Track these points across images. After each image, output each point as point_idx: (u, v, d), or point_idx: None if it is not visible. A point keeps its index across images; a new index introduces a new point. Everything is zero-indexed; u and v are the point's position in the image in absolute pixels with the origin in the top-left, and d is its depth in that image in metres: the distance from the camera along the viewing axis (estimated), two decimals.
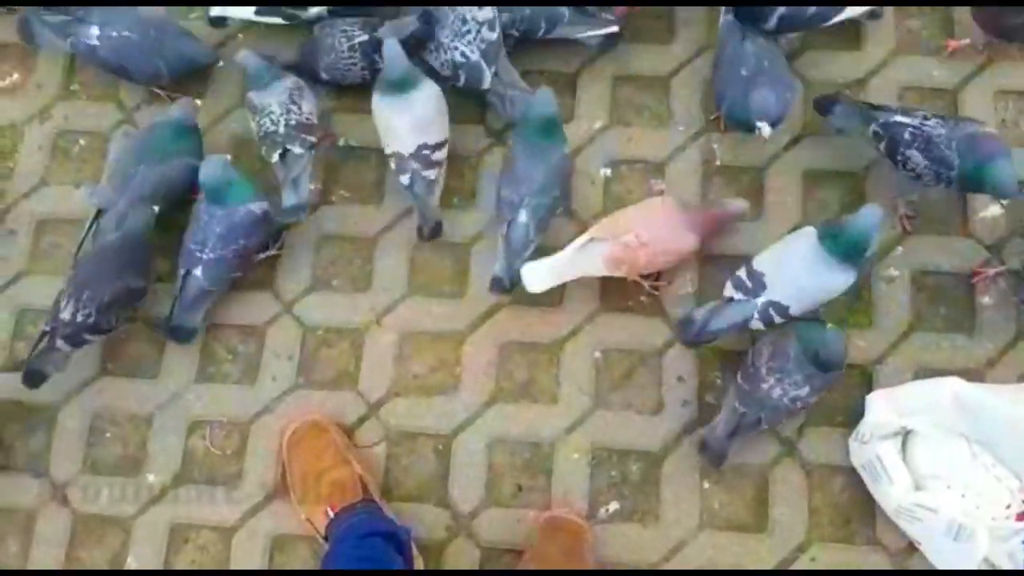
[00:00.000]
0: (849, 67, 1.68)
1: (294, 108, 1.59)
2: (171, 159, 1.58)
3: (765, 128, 1.51)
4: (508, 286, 1.54)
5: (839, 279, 1.41)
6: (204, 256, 1.50)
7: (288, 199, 1.58)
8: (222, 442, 1.53)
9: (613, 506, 1.49)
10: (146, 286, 1.53)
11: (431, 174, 1.57)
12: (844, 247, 1.39)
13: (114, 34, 1.65)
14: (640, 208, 1.56)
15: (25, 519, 1.53)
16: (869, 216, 1.37)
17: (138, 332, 1.61)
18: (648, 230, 1.49)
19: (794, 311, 1.43)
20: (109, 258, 1.50)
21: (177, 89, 1.74)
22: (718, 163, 1.66)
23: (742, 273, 1.46)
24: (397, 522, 1.40)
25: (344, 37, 1.65)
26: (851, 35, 1.71)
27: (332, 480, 1.41)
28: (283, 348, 1.59)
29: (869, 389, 1.48)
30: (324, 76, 1.69)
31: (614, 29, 1.68)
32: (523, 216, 1.51)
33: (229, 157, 1.54)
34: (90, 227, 1.58)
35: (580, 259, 1.50)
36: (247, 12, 1.70)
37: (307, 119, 1.61)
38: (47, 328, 1.49)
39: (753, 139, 1.61)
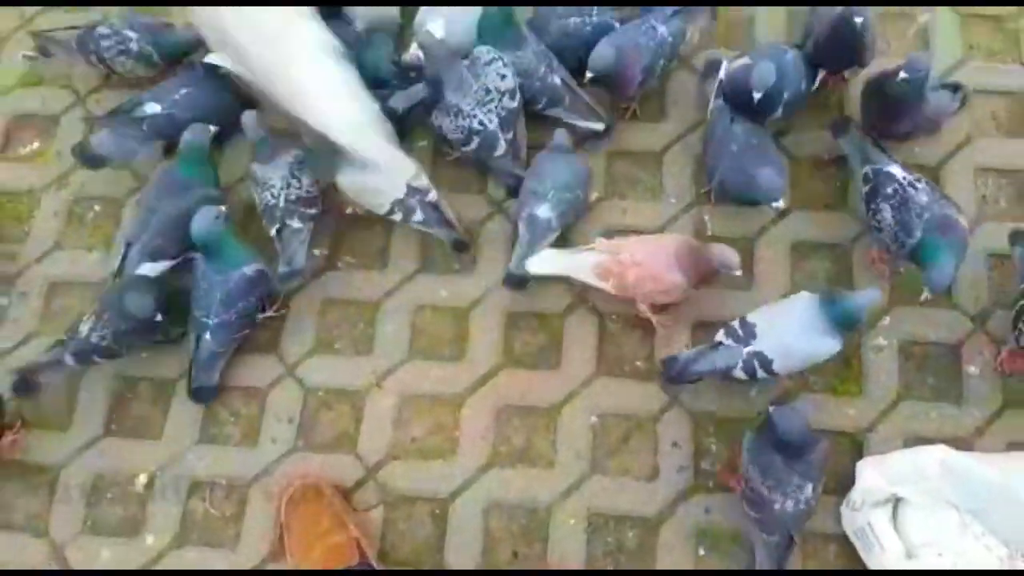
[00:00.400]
0: (831, 143, 1.78)
1: (294, 182, 1.69)
2: (188, 191, 1.68)
3: (779, 203, 1.63)
4: (526, 280, 1.65)
5: (827, 344, 1.49)
6: (210, 322, 1.58)
7: (283, 267, 1.67)
8: (221, 504, 1.58)
9: None
10: (164, 322, 1.60)
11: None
12: (840, 316, 1.47)
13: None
14: (649, 237, 1.68)
15: None
16: (871, 297, 1.48)
17: (143, 392, 1.68)
18: (644, 254, 1.59)
19: (777, 367, 1.50)
20: (134, 289, 1.59)
21: None
22: (709, 233, 1.75)
23: (735, 323, 1.54)
24: None
25: None
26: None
27: (329, 544, 1.45)
28: (284, 410, 1.65)
29: (859, 456, 1.54)
30: None
31: (599, 127, 1.79)
32: (545, 209, 1.64)
33: (223, 209, 1.61)
34: (123, 259, 1.67)
35: (577, 259, 1.63)
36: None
37: (307, 192, 1.70)
38: (63, 338, 1.59)
39: (742, 211, 1.72)
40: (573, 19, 1.79)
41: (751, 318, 1.53)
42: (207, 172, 1.72)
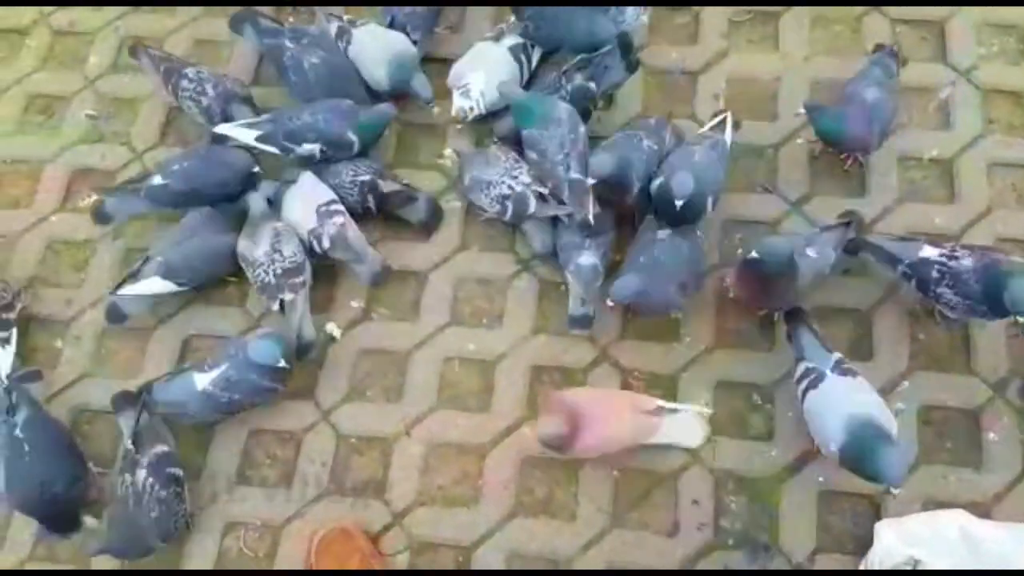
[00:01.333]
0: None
1: (277, 256, 1.87)
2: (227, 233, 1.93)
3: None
4: (590, 319, 1.82)
5: None
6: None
7: (297, 341, 1.83)
8: (255, 544, 1.73)
9: None
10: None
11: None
12: None
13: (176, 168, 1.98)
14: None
15: None
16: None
17: (186, 433, 1.83)
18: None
19: None
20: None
21: None
22: (731, 295, 1.85)
23: None
24: None
25: (351, 171, 1.98)
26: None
27: None
28: (317, 454, 1.81)
29: (877, 518, 1.64)
30: None
31: (568, 210, 1.89)
32: (588, 256, 1.80)
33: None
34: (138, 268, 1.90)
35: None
36: (249, 137, 1.99)
37: (291, 263, 1.87)
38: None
39: None
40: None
41: None
42: None
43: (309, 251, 1.92)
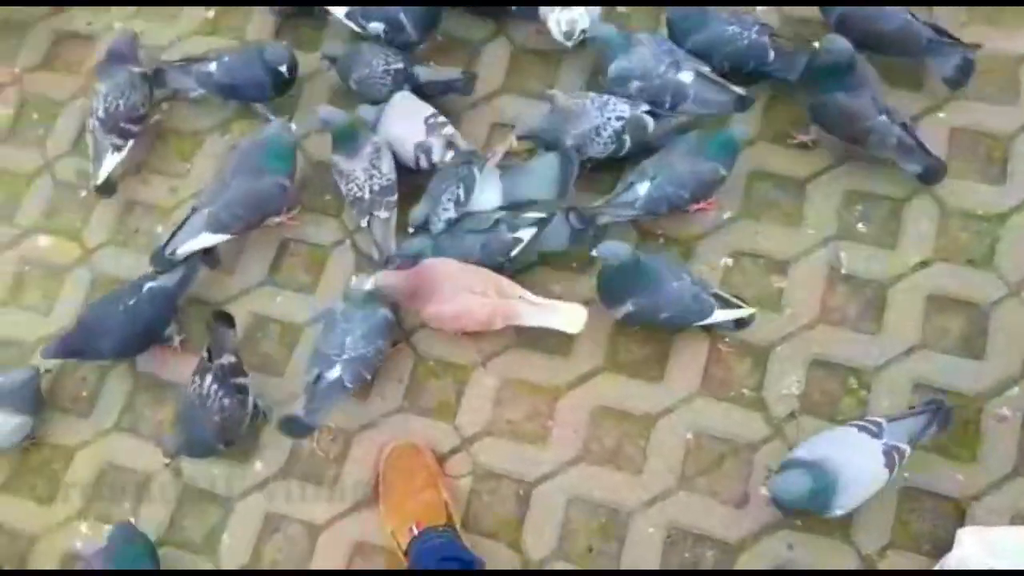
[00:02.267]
0: (991, 196, 1.90)
1: (375, 172, 1.96)
2: (264, 177, 1.98)
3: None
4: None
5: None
6: (343, 356, 1.79)
7: (376, 254, 1.96)
8: (328, 446, 1.88)
9: None
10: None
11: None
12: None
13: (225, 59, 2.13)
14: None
15: (142, 480, 1.92)
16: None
17: (274, 332, 2.00)
18: None
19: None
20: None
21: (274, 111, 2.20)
22: (843, 271, 1.89)
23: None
24: (474, 553, 1.69)
25: (382, 59, 2.05)
26: None
27: (420, 500, 1.72)
28: (396, 372, 1.93)
29: (960, 524, 1.66)
30: (353, 87, 2.10)
31: (740, 91, 1.96)
32: None
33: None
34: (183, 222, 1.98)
35: None
36: (340, 13, 2.13)
37: (387, 180, 1.96)
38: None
39: (880, 253, 1.87)
40: (732, 27, 1.99)
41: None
42: (286, 164, 2.00)
43: (415, 166, 2.01)
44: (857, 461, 1.62)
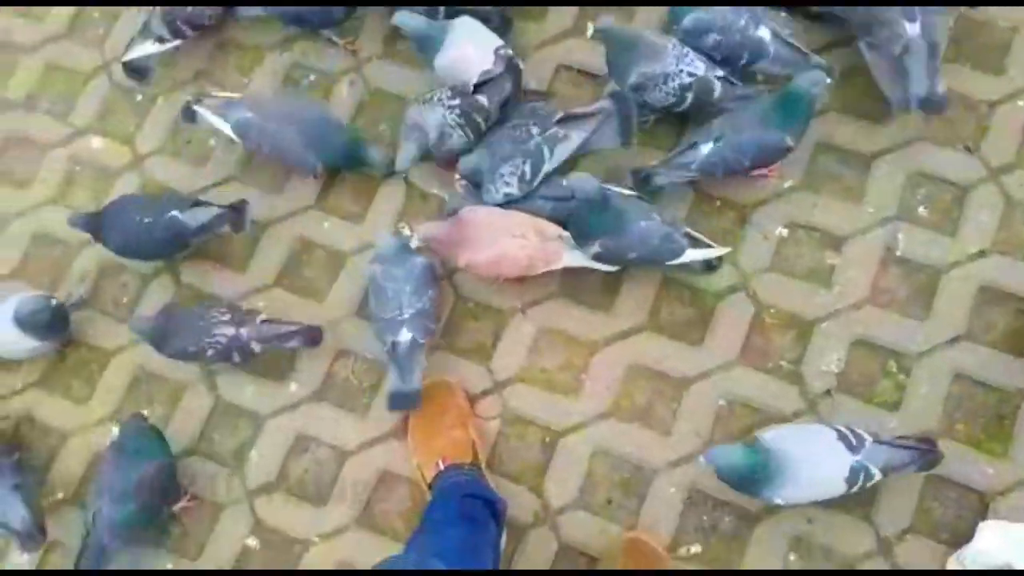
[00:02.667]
0: None
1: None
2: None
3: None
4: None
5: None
6: (404, 316, 1.82)
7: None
8: (362, 374, 1.95)
9: (695, 549, 1.78)
10: None
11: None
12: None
13: None
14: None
15: (175, 391, 2.00)
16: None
17: (317, 258, 2.05)
18: None
19: None
20: None
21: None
22: (898, 253, 1.90)
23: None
24: (497, 493, 1.76)
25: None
26: None
27: (449, 437, 1.78)
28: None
29: (983, 517, 1.69)
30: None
31: (821, 62, 1.94)
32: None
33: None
34: None
35: None
36: None
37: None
38: None
39: (939, 239, 1.87)
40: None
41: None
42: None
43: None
44: (817, 462, 1.66)
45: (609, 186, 1.86)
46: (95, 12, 2.36)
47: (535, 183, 1.92)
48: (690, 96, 1.92)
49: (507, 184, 1.90)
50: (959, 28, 2.01)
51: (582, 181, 1.77)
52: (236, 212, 1.99)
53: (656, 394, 1.88)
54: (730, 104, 1.93)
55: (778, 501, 1.66)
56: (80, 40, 2.34)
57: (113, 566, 1.83)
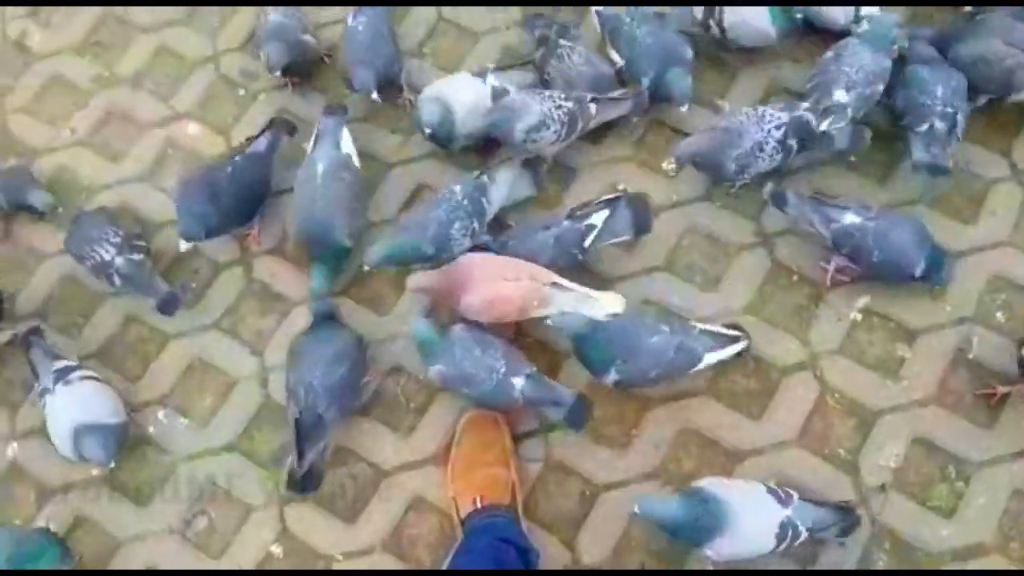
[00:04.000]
0: None
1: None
2: None
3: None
4: None
5: None
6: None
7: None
8: (412, 393, 1.75)
9: None
10: None
11: None
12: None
13: None
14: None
15: (228, 383, 1.80)
16: None
17: (382, 273, 1.85)
18: None
19: None
20: None
21: None
22: (971, 356, 1.68)
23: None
24: (531, 541, 1.54)
25: None
26: None
27: (490, 474, 1.58)
28: None
29: None
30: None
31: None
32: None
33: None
34: None
35: None
36: None
37: None
38: None
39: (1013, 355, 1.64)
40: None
41: None
42: None
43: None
44: (753, 514, 1.47)
45: (599, 310, 1.65)
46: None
47: (484, 228, 1.79)
48: (793, 143, 1.75)
49: (460, 245, 1.74)
50: None
51: (568, 319, 1.59)
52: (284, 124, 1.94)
53: (705, 463, 1.66)
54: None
55: (708, 553, 1.47)
56: (196, 28, 2.20)
57: (327, 439, 1.65)
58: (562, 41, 1.93)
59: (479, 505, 1.54)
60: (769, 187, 1.77)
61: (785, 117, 1.74)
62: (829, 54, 1.82)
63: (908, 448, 1.63)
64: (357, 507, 1.69)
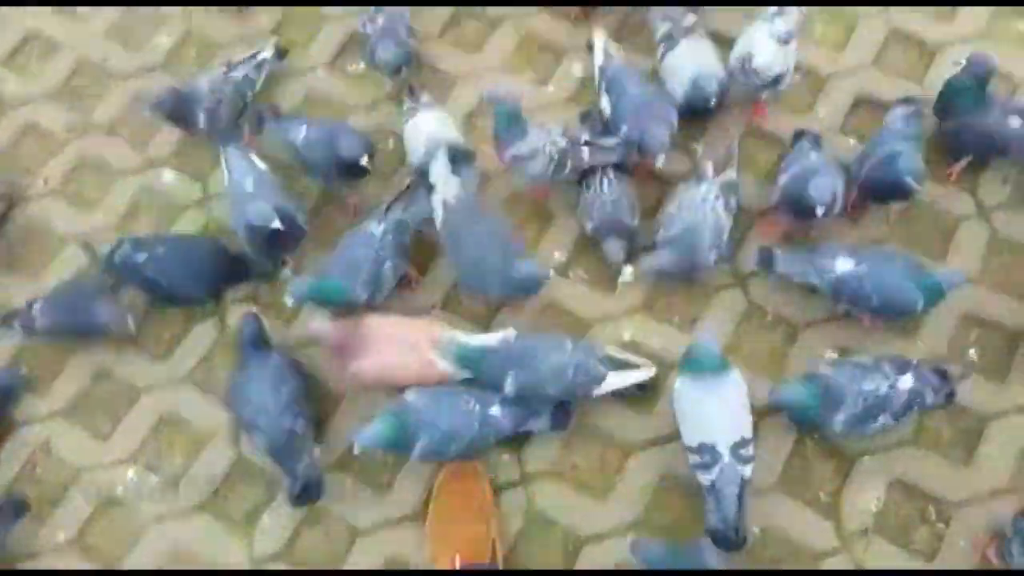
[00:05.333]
0: None
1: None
2: None
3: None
4: None
5: None
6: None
7: None
8: None
9: None
10: None
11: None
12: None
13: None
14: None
15: (198, 440, 1.58)
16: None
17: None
18: None
19: None
20: None
21: None
22: None
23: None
24: None
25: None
26: None
27: (469, 532, 1.41)
28: None
29: None
30: None
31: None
32: None
33: None
34: None
35: None
36: None
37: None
38: None
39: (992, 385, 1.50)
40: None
41: None
42: None
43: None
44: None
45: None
46: (192, 50, 2.02)
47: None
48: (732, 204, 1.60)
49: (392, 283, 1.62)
50: None
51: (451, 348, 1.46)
52: None
53: (688, 509, 1.49)
54: None
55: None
56: (173, 73, 1.99)
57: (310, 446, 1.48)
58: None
59: (458, 566, 1.36)
60: (755, 252, 1.60)
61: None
62: None
63: (887, 491, 1.47)
64: (330, 566, 1.49)
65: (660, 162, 1.66)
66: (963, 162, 1.69)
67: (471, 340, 1.51)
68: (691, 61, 1.73)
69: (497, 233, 1.59)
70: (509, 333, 1.53)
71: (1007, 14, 1.88)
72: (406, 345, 1.49)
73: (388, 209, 1.65)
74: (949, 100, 1.65)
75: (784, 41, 1.65)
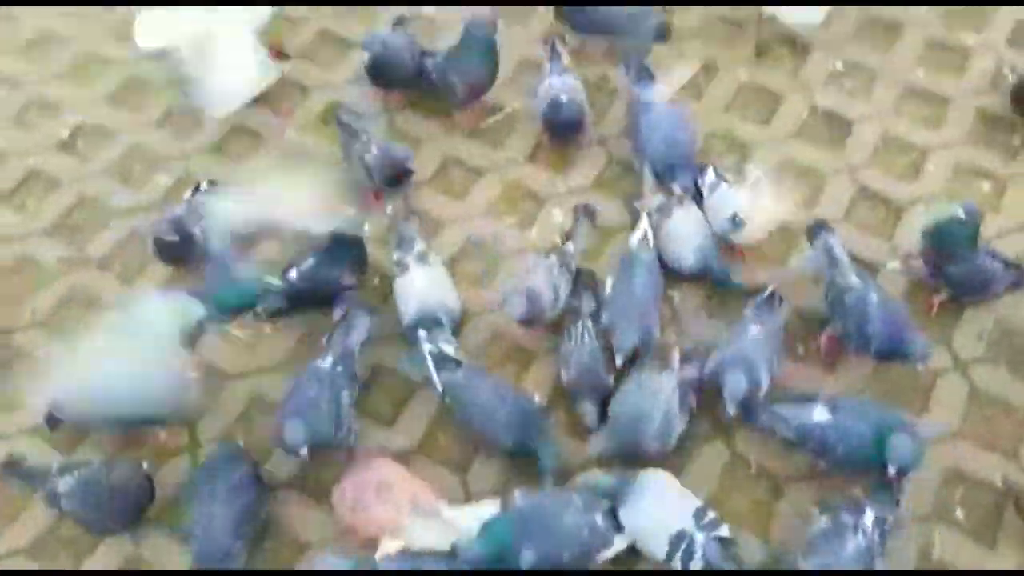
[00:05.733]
0: None
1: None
2: None
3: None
4: None
5: None
6: None
7: None
8: None
9: None
10: None
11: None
12: None
13: None
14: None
15: None
16: None
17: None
18: None
19: None
20: None
21: None
22: (934, 558, 1.43)
23: None
24: None
25: None
26: None
27: None
28: None
29: None
30: None
31: None
32: None
33: None
34: None
35: None
36: None
37: None
38: None
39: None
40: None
41: None
42: None
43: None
44: None
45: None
46: (137, 166, 2.05)
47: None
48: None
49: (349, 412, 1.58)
50: None
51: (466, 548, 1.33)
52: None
53: None
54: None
55: None
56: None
57: None
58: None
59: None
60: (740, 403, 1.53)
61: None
62: None
63: None
64: None
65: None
66: (943, 295, 1.70)
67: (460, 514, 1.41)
68: (694, 230, 1.75)
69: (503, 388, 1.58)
70: (494, 504, 1.44)
71: (968, 174, 1.93)
72: (387, 501, 1.41)
73: (329, 340, 1.62)
74: (942, 243, 1.68)
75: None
